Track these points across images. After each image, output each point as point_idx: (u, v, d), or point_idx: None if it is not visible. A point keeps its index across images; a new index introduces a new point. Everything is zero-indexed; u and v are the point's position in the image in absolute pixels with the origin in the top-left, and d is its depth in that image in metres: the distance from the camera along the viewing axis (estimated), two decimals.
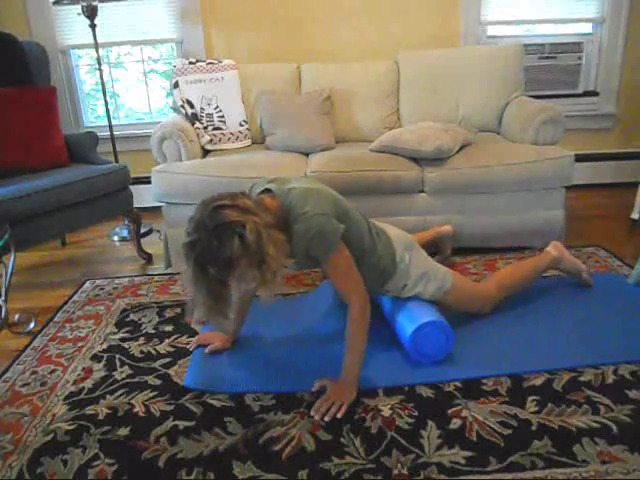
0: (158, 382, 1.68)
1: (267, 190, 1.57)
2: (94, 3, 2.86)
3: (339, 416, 1.47)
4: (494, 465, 1.30)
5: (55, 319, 2.12)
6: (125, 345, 1.90)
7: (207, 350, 1.79)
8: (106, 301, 2.25)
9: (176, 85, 2.84)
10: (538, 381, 1.59)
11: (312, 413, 1.49)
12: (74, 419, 1.52)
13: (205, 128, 2.80)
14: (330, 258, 1.52)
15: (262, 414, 1.51)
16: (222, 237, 1.33)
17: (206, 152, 2.80)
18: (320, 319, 1.98)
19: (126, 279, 2.44)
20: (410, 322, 1.69)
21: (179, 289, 2.30)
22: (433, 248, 2.39)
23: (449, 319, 1.71)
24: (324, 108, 2.82)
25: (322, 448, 1.38)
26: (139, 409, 1.55)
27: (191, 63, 2.89)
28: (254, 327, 1.92)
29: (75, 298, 2.30)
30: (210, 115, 2.83)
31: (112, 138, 3.07)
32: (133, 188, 2.74)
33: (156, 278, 2.44)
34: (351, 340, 1.55)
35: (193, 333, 1.94)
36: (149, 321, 2.06)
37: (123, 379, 1.70)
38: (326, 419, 1.46)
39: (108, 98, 3.03)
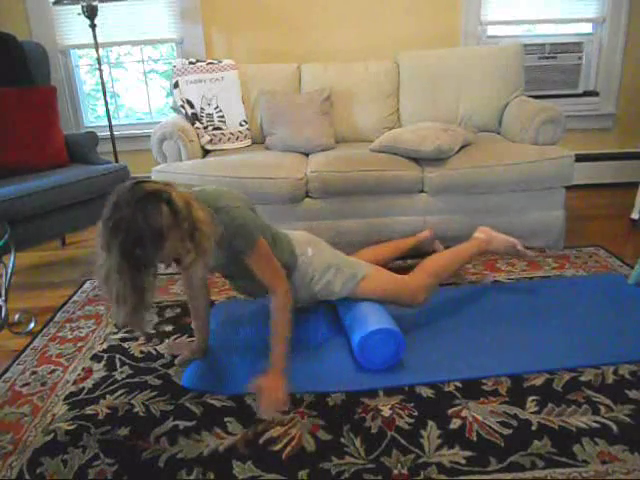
0: (158, 382, 1.68)
1: None
2: (94, 3, 2.87)
3: (285, 408, 1.49)
4: (494, 465, 1.30)
5: (55, 319, 2.12)
6: (125, 345, 1.90)
7: (176, 361, 1.77)
8: (106, 301, 2.25)
9: (176, 85, 2.83)
10: (538, 381, 1.59)
11: (259, 415, 1.49)
12: (74, 419, 1.52)
13: (205, 128, 2.80)
14: (255, 248, 1.51)
15: None
16: (148, 208, 1.25)
17: (206, 152, 2.80)
18: (320, 319, 1.97)
19: None
20: (357, 330, 1.68)
21: (179, 289, 2.29)
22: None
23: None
24: (324, 108, 2.81)
25: (322, 448, 1.38)
26: (139, 409, 1.55)
27: (191, 63, 2.89)
28: (253, 328, 1.92)
29: (75, 298, 2.30)
30: (210, 115, 2.83)
31: (112, 138, 3.07)
32: None
33: None
34: (279, 329, 1.56)
35: (193, 333, 1.94)
36: (149, 321, 2.06)
37: (123, 379, 1.70)
38: (275, 415, 1.48)
39: (108, 98, 3.03)
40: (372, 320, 1.69)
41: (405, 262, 2.31)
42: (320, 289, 1.77)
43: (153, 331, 1.81)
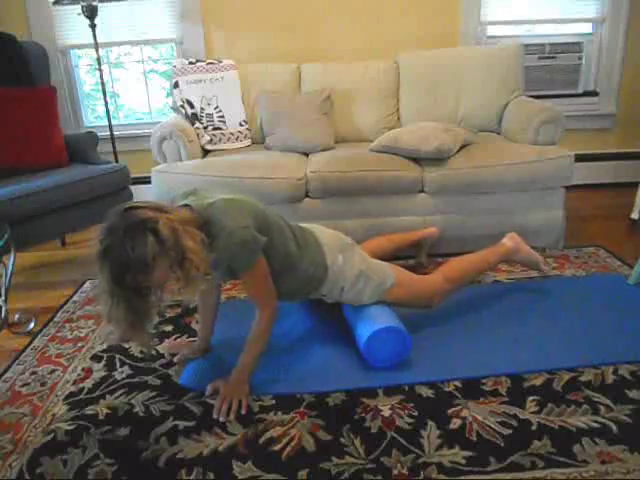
0: (158, 382, 1.68)
1: (185, 206, 1.49)
2: (94, 3, 2.87)
3: (244, 412, 1.50)
4: (494, 465, 1.30)
5: (55, 319, 2.12)
6: (125, 345, 1.90)
7: (175, 359, 1.77)
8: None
9: (176, 85, 2.83)
10: (538, 381, 1.59)
11: (214, 415, 1.49)
12: (74, 419, 1.52)
13: (205, 128, 2.80)
14: (251, 271, 1.50)
15: (262, 414, 1.51)
16: (135, 237, 1.27)
17: (206, 152, 2.80)
18: (319, 319, 1.97)
19: None
20: (365, 328, 1.68)
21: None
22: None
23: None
24: (324, 108, 2.81)
25: (322, 448, 1.38)
26: (139, 409, 1.55)
27: (191, 63, 2.89)
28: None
29: (75, 298, 2.30)
30: (210, 115, 2.83)
31: (112, 138, 3.07)
32: (133, 188, 2.74)
33: None
34: (254, 343, 1.58)
35: (193, 333, 1.94)
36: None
37: (123, 379, 1.70)
38: (231, 417, 1.48)
39: (108, 98, 3.03)
40: (381, 318, 1.69)
41: (407, 262, 2.31)
42: (349, 298, 1.77)
43: (153, 352, 1.81)
